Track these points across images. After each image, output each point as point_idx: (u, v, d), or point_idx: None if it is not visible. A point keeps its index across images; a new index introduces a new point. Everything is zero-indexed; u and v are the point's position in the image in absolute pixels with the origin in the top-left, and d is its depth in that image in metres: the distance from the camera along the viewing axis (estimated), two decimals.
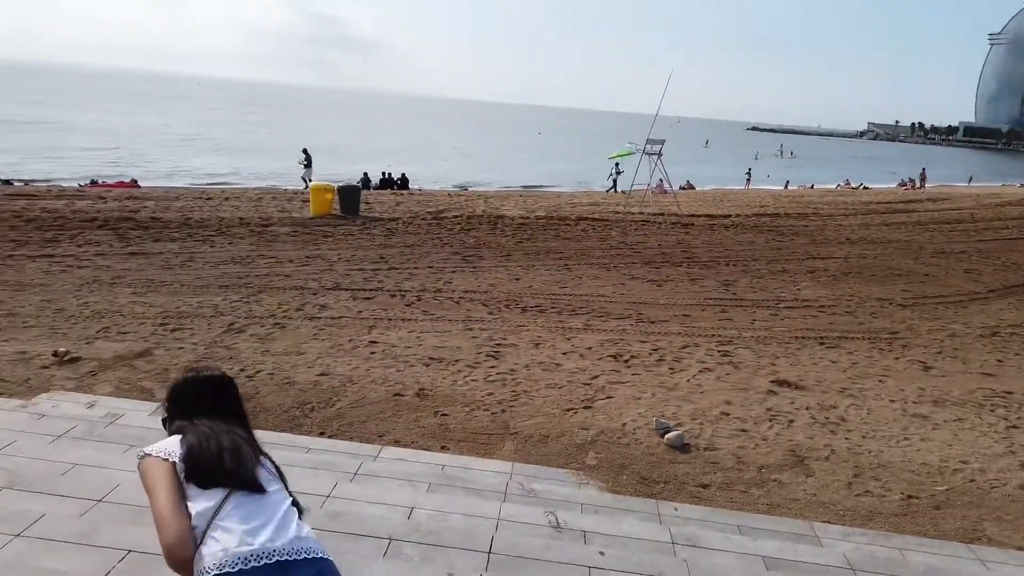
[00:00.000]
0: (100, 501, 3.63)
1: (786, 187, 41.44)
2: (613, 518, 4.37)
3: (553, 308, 10.22)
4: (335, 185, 17.20)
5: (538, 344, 8.47)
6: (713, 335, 9.33)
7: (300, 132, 56.45)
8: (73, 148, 37.31)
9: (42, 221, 13.24)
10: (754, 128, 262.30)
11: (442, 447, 5.59)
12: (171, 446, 2.09)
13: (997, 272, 14.62)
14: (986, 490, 5.51)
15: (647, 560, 3.69)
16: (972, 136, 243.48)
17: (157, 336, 7.77)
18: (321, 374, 6.94)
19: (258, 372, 6.88)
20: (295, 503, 2.18)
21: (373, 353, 7.69)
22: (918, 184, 41.78)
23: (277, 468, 2.25)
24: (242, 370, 6.85)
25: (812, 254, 15.49)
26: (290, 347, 7.68)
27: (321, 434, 5.59)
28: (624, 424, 6.25)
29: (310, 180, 25.53)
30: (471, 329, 8.90)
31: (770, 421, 6.58)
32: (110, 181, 24.23)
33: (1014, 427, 6.81)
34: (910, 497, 5.33)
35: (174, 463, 2.04)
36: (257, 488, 2.08)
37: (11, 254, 10.97)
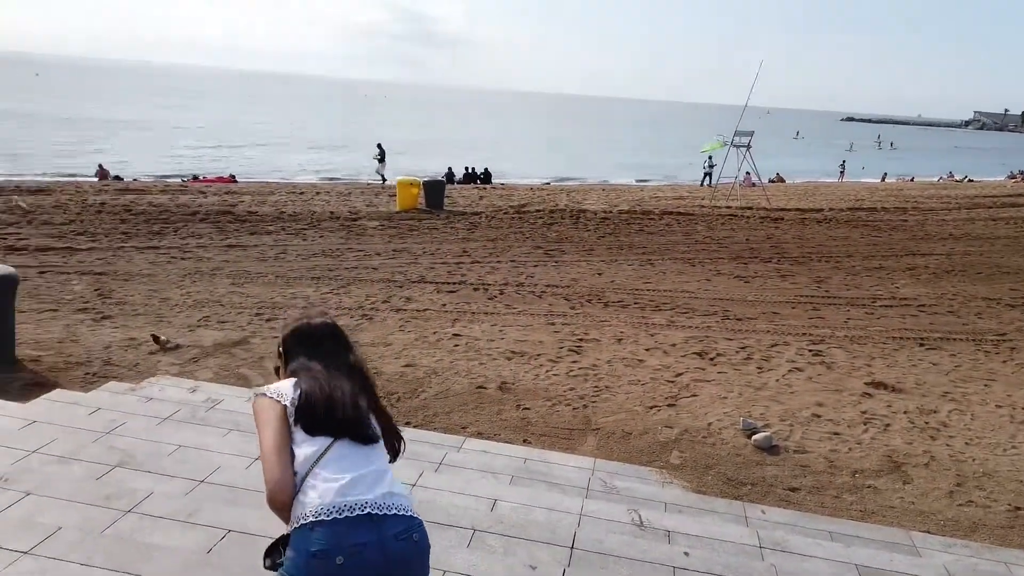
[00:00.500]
0: (202, 482, 3.84)
1: (883, 180, 39.68)
2: (698, 518, 4.28)
3: (636, 304, 10.11)
4: (420, 180, 17.54)
5: (621, 340, 8.39)
6: (804, 334, 9.02)
7: (384, 128, 57.68)
8: (182, 146, 39.50)
9: (149, 215, 14.08)
10: (849, 118, 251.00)
11: (524, 440, 5.62)
12: (285, 389, 2.12)
13: None
14: None
15: (734, 563, 3.60)
16: None
17: (254, 325, 8.13)
18: (407, 365, 7.09)
19: None
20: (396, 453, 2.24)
21: (457, 346, 7.80)
22: None
23: (389, 421, 2.26)
24: None
25: (911, 250, 14.76)
26: (377, 338, 7.89)
27: (407, 424, 5.70)
28: (709, 423, 6.12)
29: (384, 175, 26.10)
30: (553, 323, 8.90)
31: (865, 424, 6.31)
32: (210, 176, 25.47)
33: None
34: (1018, 509, 5.02)
35: (285, 406, 2.08)
36: (362, 439, 2.10)
37: (121, 246, 11.70)
